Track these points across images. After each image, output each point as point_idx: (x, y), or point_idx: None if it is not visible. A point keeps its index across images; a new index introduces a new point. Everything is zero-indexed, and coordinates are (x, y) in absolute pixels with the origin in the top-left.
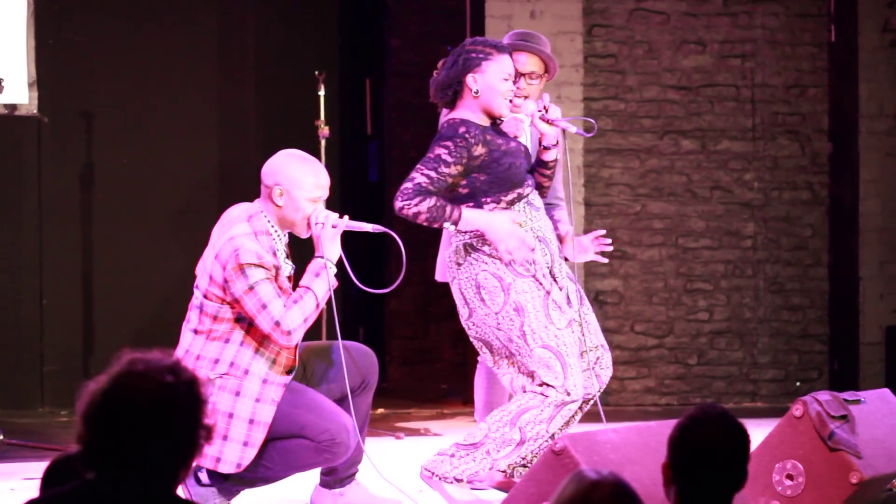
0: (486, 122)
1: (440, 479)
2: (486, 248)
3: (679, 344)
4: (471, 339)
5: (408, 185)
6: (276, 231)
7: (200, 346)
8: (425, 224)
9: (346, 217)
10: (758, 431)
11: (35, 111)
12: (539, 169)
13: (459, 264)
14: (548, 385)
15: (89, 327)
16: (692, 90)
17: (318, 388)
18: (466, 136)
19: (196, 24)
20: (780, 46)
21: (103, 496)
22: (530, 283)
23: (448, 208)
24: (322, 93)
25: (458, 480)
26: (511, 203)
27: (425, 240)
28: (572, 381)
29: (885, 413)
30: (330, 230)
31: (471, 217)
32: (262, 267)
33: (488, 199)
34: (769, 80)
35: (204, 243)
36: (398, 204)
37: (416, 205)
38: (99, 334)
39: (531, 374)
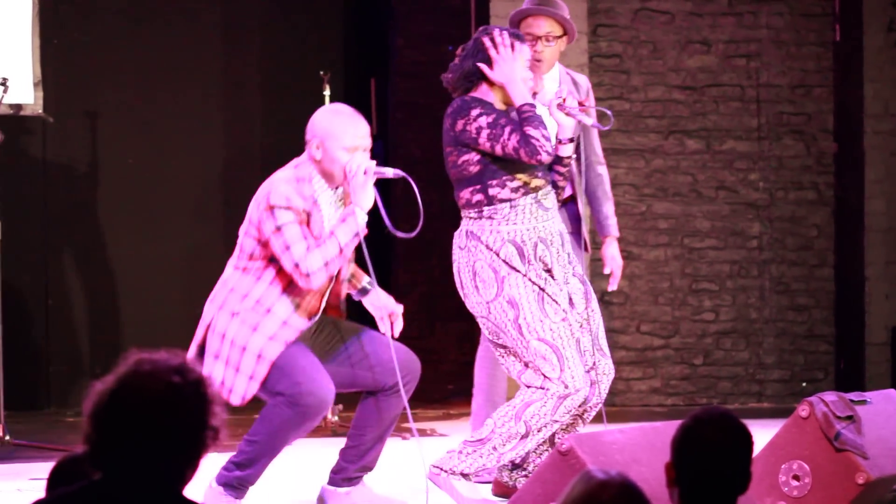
0: (502, 107)
1: (448, 473)
2: (487, 240)
3: (685, 344)
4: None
5: (522, 150)
6: (320, 182)
7: (236, 280)
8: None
9: (373, 164)
10: (764, 432)
11: (40, 111)
12: (554, 166)
13: (461, 248)
14: (546, 377)
15: (95, 328)
16: (697, 90)
17: (326, 361)
18: (475, 102)
19: (201, 23)
20: (785, 46)
21: (110, 497)
22: (525, 280)
23: (526, 115)
24: (327, 92)
25: (466, 475)
26: (516, 192)
27: (430, 240)
28: (570, 374)
29: (892, 413)
30: (361, 177)
31: (521, 97)
32: (291, 209)
33: (493, 183)
34: (774, 79)
35: (209, 242)
36: (543, 158)
37: (538, 142)
38: (105, 335)
39: (527, 364)
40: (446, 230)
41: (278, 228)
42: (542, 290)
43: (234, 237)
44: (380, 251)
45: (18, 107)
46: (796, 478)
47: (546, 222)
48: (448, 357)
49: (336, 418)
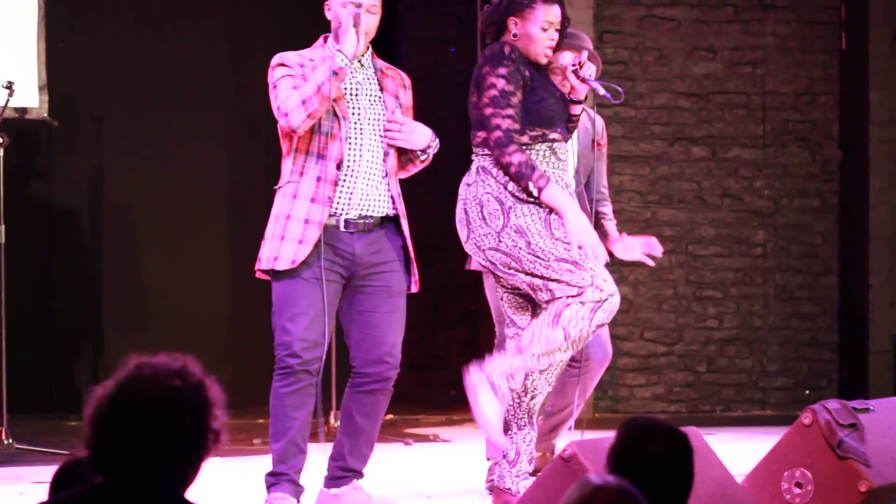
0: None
1: (486, 375)
2: (495, 173)
3: (688, 351)
4: (479, 265)
5: (497, 133)
6: (334, 45)
7: (282, 167)
8: (511, 176)
9: (363, 12)
10: (766, 439)
11: (45, 115)
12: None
13: (468, 185)
14: (578, 287)
15: (98, 331)
16: (703, 97)
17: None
18: (512, 55)
19: (206, 28)
20: (791, 54)
21: (111, 501)
22: (531, 207)
23: (536, 172)
24: None
25: (502, 379)
26: (534, 140)
27: (433, 244)
28: (601, 277)
29: (895, 422)
30: (347, 23)
31: (555, 194)
32: (283, 65)
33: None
34: (780, 87)
35: (213, 246)
36: (500, 155)
37: (510, 154)
38: (108, 338)
39: (554, 284)
40: (448, 236)
41: (274, 86)
42: (550, 212)
43: (238, 241)
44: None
45: (24, 110)
46: (799, 485)
47: (558, 170)
48: (451, 363)
49: (338, 423)
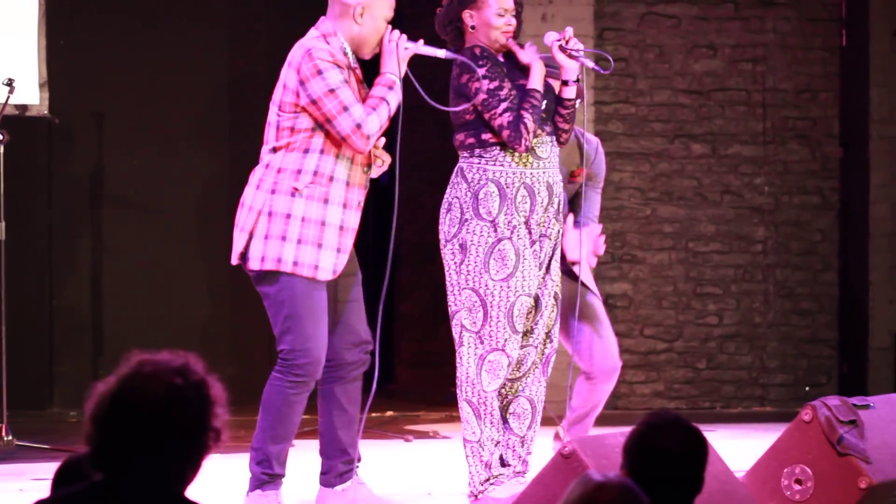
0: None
1: (478, 489)
2: (471, 177)
3: (688, 348)
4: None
5: (507, 132)
6: (346, 45)
7: (280, 160)
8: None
9: (420, 41)
10: (766, 436)
11: (46, 112)
12: (558, 108)
13: (449, 184)
14: (464, 328)
15: (99, 328)
16: (703, 94)
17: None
18: (483, 54)
19: (207, 25)
20: (792, 51)
21: (111, 498)
22: (485, 227)
23: (530, 103)
24: None
25: (487, 481)
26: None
27: (434, 242)
28: (489, 331)
29: (894, 418)
30: (403, 50)
31: (538, 82)
32: (338, 66)
33: (486, 129)
34: (780, 84)
35: (214, 243)
36: (521, 146)
37: (525, 131)
38: (108, 335)
39: (454, 313)
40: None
41: (332, 90)
42: (500, 241)
43: None
44: (383, 253)
45: (24, 107)
46: (798, 482)
47: (536, 170)
48: (451, 359)
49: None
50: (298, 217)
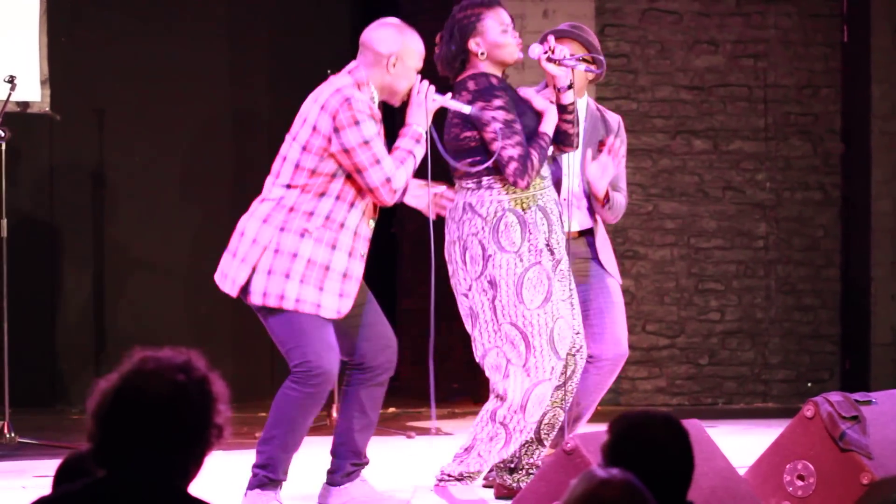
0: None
1: (446, 478)
2: (485, 211)
3: (690, 344)
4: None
5: (514, 165)
6: (375, 93)
7: (294, 199)
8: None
9: (448, 95)
10: (769, 432)
11: (47, 109)
12: (561, 117)
13: (454, 221)
14: (509, 361)
15: (101, 325)
16: (704, 90)
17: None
18: (501, 85)
19: (208, 22)
20: (793, 46)
21: (114, 495)
22: (510, 259)
23: (540, 144)
24: None
25: (460, 479)
26: None
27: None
28: (534, 363)
29: None
30: (431, 103)
31: (549, 127)
32: (374, 119)
33: (491, 156)
34: (781, 80)
35: (216, 241)
36: (523, 183)
37: (531, 169)
38: (111, 332)
39: (494, 347)
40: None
41: (366, 142)
42: (528, 269)
43: None
44: (385, 250)
45: (26, 104)
46: (801, 478)
47: (544, 190)
48: (453, 356)
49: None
50: (304, 258)
